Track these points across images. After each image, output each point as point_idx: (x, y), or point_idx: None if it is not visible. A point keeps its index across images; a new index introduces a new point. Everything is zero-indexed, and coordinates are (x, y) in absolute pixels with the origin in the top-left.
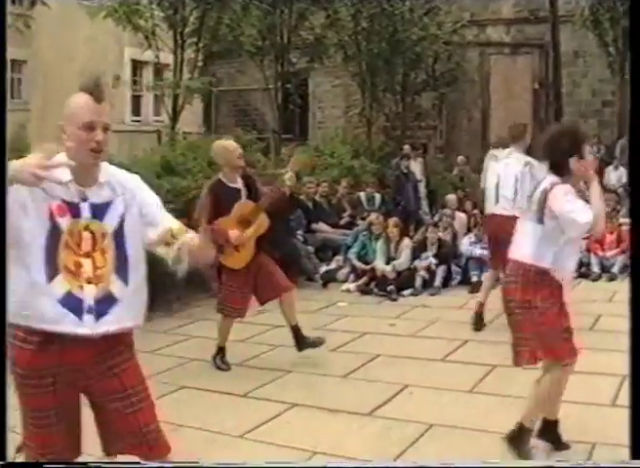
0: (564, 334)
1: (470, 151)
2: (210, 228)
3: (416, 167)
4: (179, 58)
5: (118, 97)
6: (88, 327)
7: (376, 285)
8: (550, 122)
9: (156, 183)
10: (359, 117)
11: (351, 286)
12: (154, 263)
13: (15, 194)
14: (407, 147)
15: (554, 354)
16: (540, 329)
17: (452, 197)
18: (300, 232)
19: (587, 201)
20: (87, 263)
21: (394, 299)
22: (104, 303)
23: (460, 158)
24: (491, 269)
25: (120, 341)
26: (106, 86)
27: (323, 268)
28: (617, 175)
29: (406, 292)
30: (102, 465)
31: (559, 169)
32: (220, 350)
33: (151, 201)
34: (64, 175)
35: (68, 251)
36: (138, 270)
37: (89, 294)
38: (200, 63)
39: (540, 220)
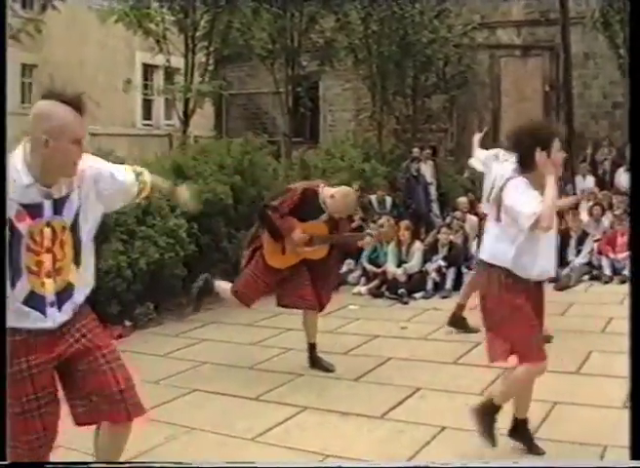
0: (531, 337)
1: None
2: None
3: (426, 169)
4: (189, 61)
5: (129, 101)
6: (51, 320)
7: (387, 288)
8: (561, 124)
9: None
10: (370, 120)
11: (362, 289)
12: (164, 267)
13: None
14: (416, 150)
15: (522, 357)
16: (506, 331)
17: (463, 200)
18: None
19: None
20: (47, 258)
21: (405, 302)
22: (65, 294)
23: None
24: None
25: (78, 314)
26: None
27: None
28: (628, 177)
29: (417, 295)
30: (103, 465)
31: (525, 162)
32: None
33: (107, 174)
34: (25, 178)
35: (29, 252)
36: (89, 253)
37: (50, 290)
38: (211, 67)
39: (498, 218)
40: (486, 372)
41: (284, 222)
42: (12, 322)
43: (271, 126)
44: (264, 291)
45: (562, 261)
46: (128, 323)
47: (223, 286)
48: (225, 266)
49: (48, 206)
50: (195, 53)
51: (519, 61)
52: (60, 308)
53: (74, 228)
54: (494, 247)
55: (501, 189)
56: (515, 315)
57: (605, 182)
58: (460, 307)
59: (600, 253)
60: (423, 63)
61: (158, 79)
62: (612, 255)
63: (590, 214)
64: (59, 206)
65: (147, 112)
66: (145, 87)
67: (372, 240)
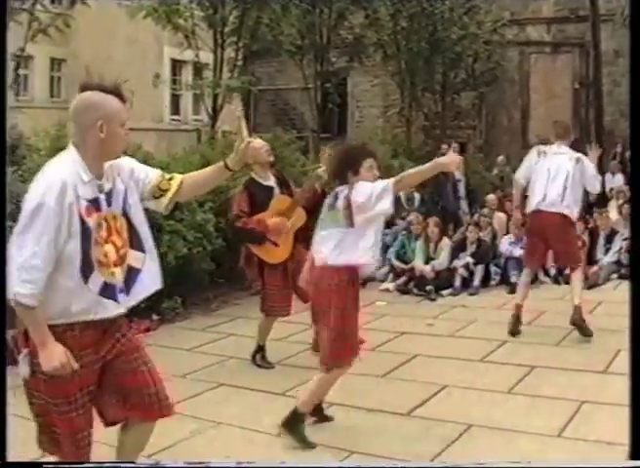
0: (340, 338)
1: (510, 151)
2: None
3: None
4: (218, 57)
5: (157, 96)
6: (123, 305)
7: (414, 284)
8: (590, 121)
9: None
10: (398, 116)
11: (390, 285)
12: (192, 261)
13: (52, 211)
14: (445, 147)
15: (328, 357)
16: (330, 330)
17: (491, 197)
18: None
19: None
20: (110, 249)
21: (433, 299)
22: (130, 278)
23: (500, 158)
24: (527, 268)
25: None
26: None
27: None
28: None
29: (445, 292)
30: (102, 465)
31: (341, 182)
32: (260, 348)
33: (139, 166)
34: (85, 175)
35: (97, 245)
36: (147, 237)
37: (119, 277)
38: (240, 63)
39: (351, 224)
40: (513, 371)
41: (252, 223)
42: (88, 314)
43: (299, 121)
44: (291, 293)
45: (590, 260)
46: (155, 317)
47: None
48: None
49: (103, 199)
50: (224, 48)
51: (549, 58)
52: (127, 293)
53: (125, 215)
54: (350, 251)
55: (347, 198)
56: (344, 319)
57: None
58: (519, 308)
59: (629, 251)
60: (453, 60)
61: (187, 74)
62: None
63: (620, 212)
64: (109, 197)
65: (175, 107)
66: (174, 82)
67: (323, 170)
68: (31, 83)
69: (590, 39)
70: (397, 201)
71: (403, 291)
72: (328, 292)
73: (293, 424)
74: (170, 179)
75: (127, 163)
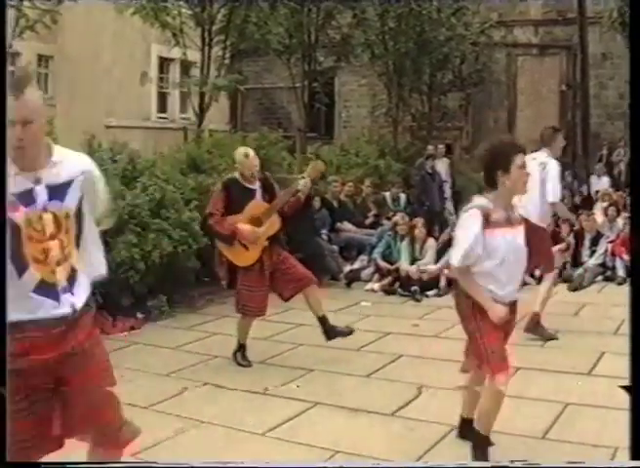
0: (496, 350)
1: None
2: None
3: (441, 167)
4: (206, 55)
5: (144, 94)
6: (67, 305)
7: (400, 285)
8: (577, 124)
9: (181, 180)
10: (385, 117)
11: (375, 285)
12: (178, 260)
13: None
14: (431, 147)
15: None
16: (477, 342)
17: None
18: (324, 231)
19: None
20: (55, 246)
21: (418, 300)
22: (73, 278)
23: None
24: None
25: (87, 322)
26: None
27: (347, 267)
28: None
29: (430, 293)
30: (102, 465)
31: (488, 182)
32: (241, 347)
33: (99, 179)
34: (9, 168)
35: (32, 241)
36: (92, 241)
37: (61, 276)
38: (227, 61)
39: None
40: None
41: (224, 224)
42: (24, 313)
43: (286, 121)
44: (266, 294)
45: (576, 262)
46: (140, 315)
47: None
48: None
49: (41, 191)
50: (212, 46)
51: (536, 60)
52: (73, 293)
53: (78, 216)
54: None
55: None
56: (490, 332)
57: (620, 183)
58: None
59: (614, 254)
60: (440, 61)
61: (174, 72)
62: (626, 257)
63: (605, 214)
64: (58, 191)
65: (162, 105)
66: (161, 80)
67: (305, 182)
68: None
69: (578, 42)
70: (383, 201)
71: (388, 291)
72: (455, 299)
73: (479, 447)
74: None
75: (95, 170)
